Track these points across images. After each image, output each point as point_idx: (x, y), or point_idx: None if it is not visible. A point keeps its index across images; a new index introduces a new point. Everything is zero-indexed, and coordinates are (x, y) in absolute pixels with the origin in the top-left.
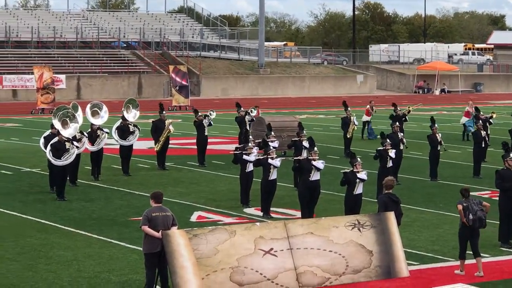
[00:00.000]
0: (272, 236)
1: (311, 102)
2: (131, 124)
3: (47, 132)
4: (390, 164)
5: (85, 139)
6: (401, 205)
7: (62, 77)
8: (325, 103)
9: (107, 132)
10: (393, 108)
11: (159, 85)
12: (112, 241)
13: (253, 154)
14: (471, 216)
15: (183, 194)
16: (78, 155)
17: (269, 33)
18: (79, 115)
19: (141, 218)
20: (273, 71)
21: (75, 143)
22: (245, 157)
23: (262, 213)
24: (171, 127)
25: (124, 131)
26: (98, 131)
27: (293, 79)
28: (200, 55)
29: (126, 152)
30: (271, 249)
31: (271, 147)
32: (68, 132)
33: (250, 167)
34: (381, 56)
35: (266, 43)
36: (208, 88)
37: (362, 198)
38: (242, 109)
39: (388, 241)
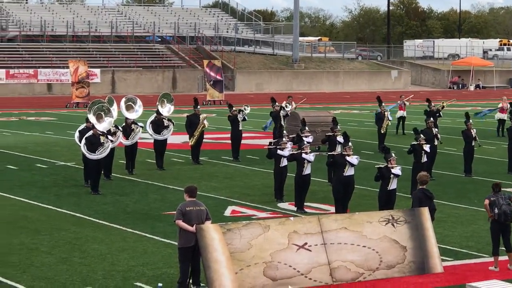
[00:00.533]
0: (306, 231)
1: (345, 97)
2: (165, 119)
3: (82, 126)
4: (424, 159)
5: (119, 133)
6: (434, 200)
7: (97, 71)
8: (359, 98)
9: (141, 127)
10: (427, 103)
11: (193, 79)
12: (146, 235)
13: (287, 149)
14: (496, 210)
15: (217, 188)
16: (112, 149)
17: (304, 28)
18: (114, 109)
19: (175, 212)
20: (307, 66)
21: (109, 137)
22: (279, 152)
23: (296, 207)
24: (205, 122)
25: (158, 125)
26: (133, 125)
27: (328, 74)
28: (235, 50)
29: (160, 146)
30: (305, 243)
31: (305, 142)
32: (102, 126)
33: (284, 162)
34: (415, 51)
35: (301, 38)
36: (242, 83)
37: (396, 193)
38: (277, 104)
39: (422, 237)
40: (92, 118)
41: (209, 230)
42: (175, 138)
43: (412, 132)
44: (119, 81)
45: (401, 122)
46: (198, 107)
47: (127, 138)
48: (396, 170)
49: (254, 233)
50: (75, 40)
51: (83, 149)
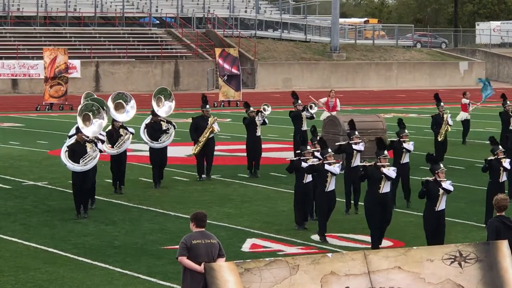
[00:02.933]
0: (348, 272)
1: (399, 97)
2: (163, 121)
3: (74, 131)
4: (503, 178)
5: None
6: None
7: (76, 63)
8: (418, 98)
9: (131, 133)
10: (502, 102)
11: (201, 73)
12: (140, 276)
13: (337, 165)
14: None
15: (232, 215)
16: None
17: (346, 7)
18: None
19: (177, 246)
20: (350, 56)
21: (99, 145)
22: (303, 164)
23: (319, 235)
24: (215, 126)
25: (155, 129)
26: (121, 130)
27: (376, 67)
28: (256, 35)
29: (158, 156)
30: None
31: (329, 150)
32: (91, 130)
33: (309, 178)
34: (491, 36)
35: (341, 20)
36: (265, 78)
37: (463, 221)
38: (299, 102)
39: (498, 280)
40: (78, 120)
41: (222, 270)
42: (178, 150)
43: (488, 142)
44: (105, 75)
45: (465, 128)
46: (207, 106)
47: (112, 146)
48: (447, 185)
49: (278, 275)
50: (47, 22)
51: (64, 158)
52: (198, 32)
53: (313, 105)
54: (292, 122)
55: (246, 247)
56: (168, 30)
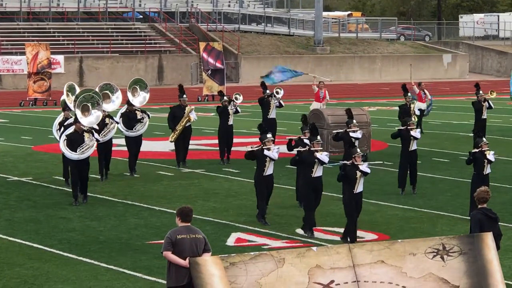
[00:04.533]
0: (333, 265)
1: (383, 90)
2: (138, 110)
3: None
4: (488, 170)
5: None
6: (500, 223)
7: (60, 58)
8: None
9: (117, 122)
10: (475, 91)
11: (185, 68)
12: (125, 271)
13: (275, 150)
14: None
15: (217, 210)
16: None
17: (329, 0)
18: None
19: (162, 241)
20: (334, 50)
21: (96, 135)
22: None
23: (258, 218)
24: (191, 115)
25: (130, 118)
26: (107, 119)
27: (360, 60)
28: (239, 29)
29: (133, 145)
30: (331, 282)
31: (267, 136)
32: (87, 120)
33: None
34: (474, 29)
35: (325, 13)
36: (249, 72)
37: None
38: (268, 91)
39: (482, 272)
40: (76, 111)
41: (207, 264)
42: (162, 145)
43: (472, 134)
44: (88, 70)
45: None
46: (184, 96)
47: (98, 134)
48: (364, 167)
49: (265, 268)
50: (31, 18)
51: (62, 146)
52: (181, 26)
53: (279, 90)
54: (260, 107)
55: (231, 241)
56: (151, 25)
